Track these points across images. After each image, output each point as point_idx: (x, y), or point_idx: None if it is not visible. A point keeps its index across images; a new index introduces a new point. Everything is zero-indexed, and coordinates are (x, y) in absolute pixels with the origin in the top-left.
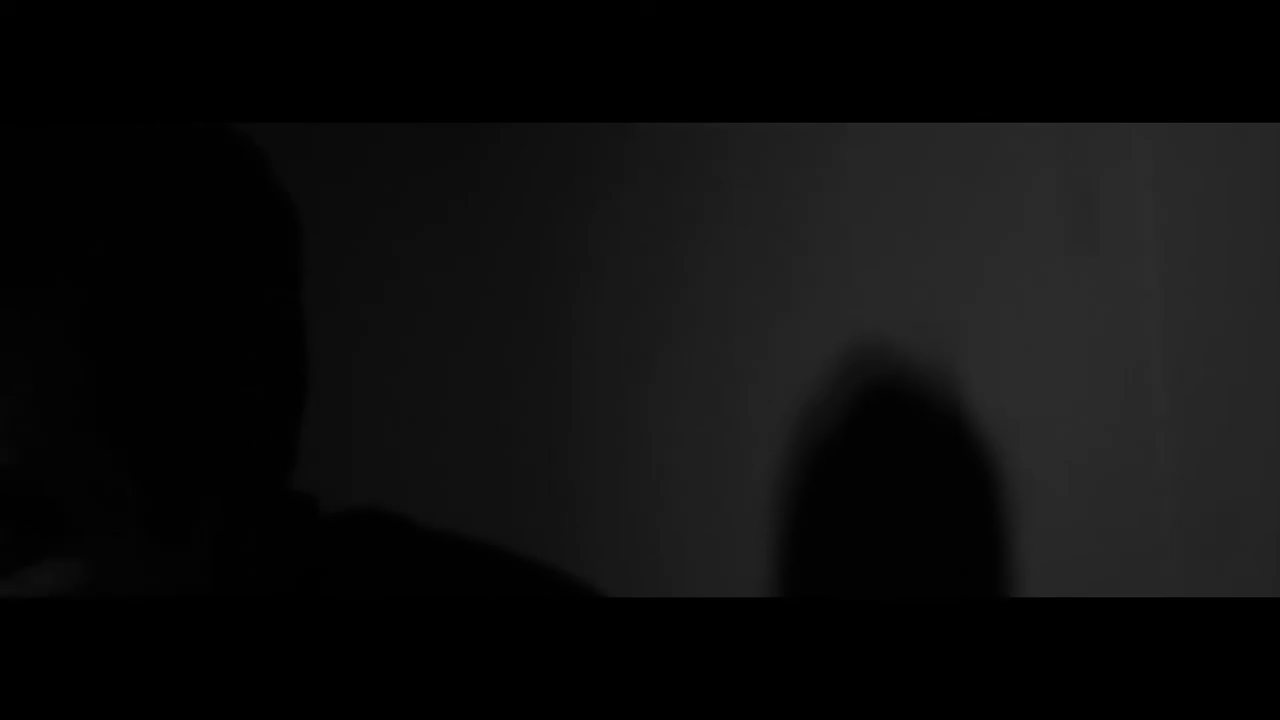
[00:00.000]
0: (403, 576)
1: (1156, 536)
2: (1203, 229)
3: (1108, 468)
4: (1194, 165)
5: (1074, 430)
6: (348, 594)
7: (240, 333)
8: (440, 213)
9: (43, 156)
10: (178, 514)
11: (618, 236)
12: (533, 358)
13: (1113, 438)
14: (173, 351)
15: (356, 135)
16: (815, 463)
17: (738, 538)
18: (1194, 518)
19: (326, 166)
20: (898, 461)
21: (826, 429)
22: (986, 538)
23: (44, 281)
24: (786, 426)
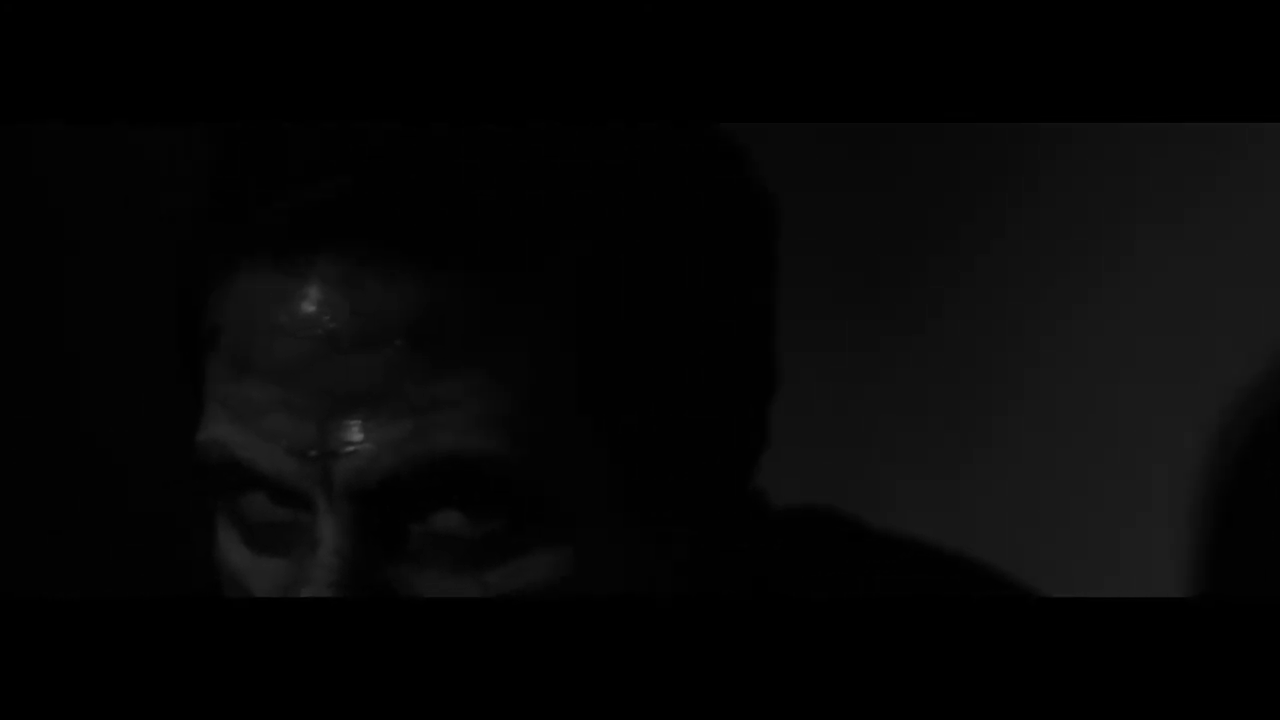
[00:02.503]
0: (855, 577)
1: None
2: None
3: None
4: None
5: None
6: (801, 593)
7: (720, 330)
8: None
9: (537, 149)
10: (660, 512)
11: (1034, 233)
12: (950, 355)
13: None
14: (656, 346)
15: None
16: (1239, 467)
17: (1158, 541)
18: None
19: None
20: None
21: (1251, 432)
22: None
23: (538, 268)
24: (1212, 429)
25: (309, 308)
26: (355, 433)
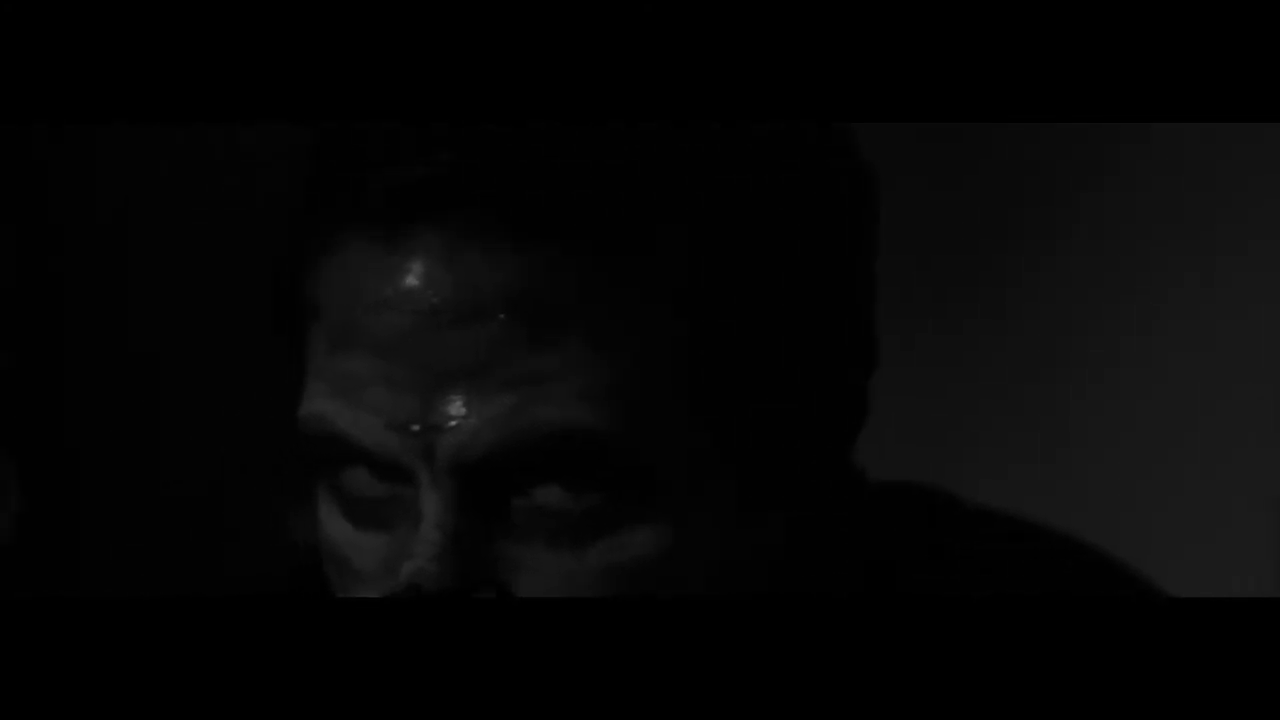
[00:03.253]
0: (954, 554)
1: None
2: None
3: None
4: None
5: None
6: (901, 573)
7: (822, 304)
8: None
9: (640, 131)
10: (760, 488)
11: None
12: (1068, 351)
13: None
14: (758, 322)
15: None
16: None
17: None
18: None
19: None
20: None
21: None
22: None
23: (640, 243)
24: None
25: (411, 282)
26: (458, 407)
